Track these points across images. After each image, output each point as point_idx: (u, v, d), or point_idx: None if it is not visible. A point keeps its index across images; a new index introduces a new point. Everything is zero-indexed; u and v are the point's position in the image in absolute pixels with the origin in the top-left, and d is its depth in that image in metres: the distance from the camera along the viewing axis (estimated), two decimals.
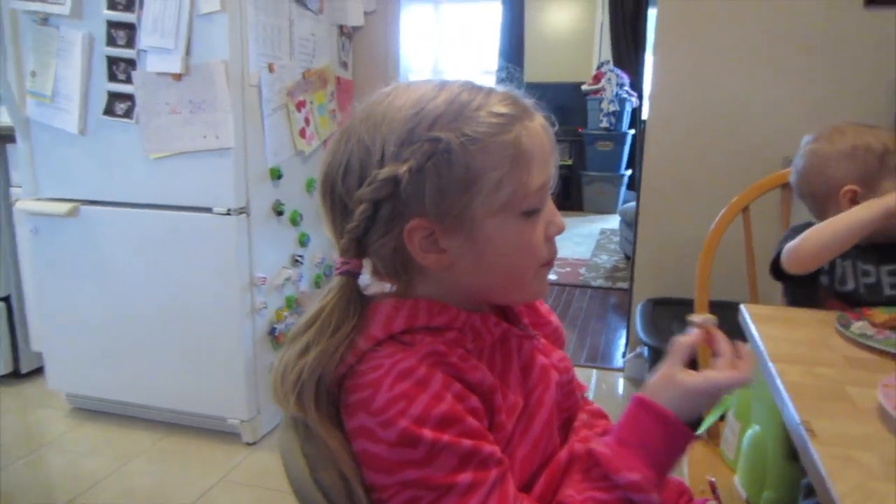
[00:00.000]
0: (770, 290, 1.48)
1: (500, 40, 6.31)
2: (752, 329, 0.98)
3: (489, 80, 0.65)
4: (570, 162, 5.94)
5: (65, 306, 2.11)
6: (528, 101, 0.64)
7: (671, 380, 0.64)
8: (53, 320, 2.15)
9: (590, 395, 1.67)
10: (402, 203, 0.59)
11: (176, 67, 1.79)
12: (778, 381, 0.79)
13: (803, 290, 1.19)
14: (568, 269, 4.22)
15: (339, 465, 0.58)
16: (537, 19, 6.30)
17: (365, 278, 0.65)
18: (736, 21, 2.16)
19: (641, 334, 2.14)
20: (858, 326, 0.95)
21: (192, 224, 1.92)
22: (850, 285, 1.13)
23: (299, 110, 2.11)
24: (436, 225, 0.60)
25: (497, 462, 0.57)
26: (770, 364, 0.84)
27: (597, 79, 5.66)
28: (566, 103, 5.63)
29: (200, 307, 1.97)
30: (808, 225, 1.13)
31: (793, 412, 0.71)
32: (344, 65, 2.47)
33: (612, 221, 5.36)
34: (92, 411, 2.25)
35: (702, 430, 1.28)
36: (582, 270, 4.19)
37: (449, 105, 0.60)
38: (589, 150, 5.85)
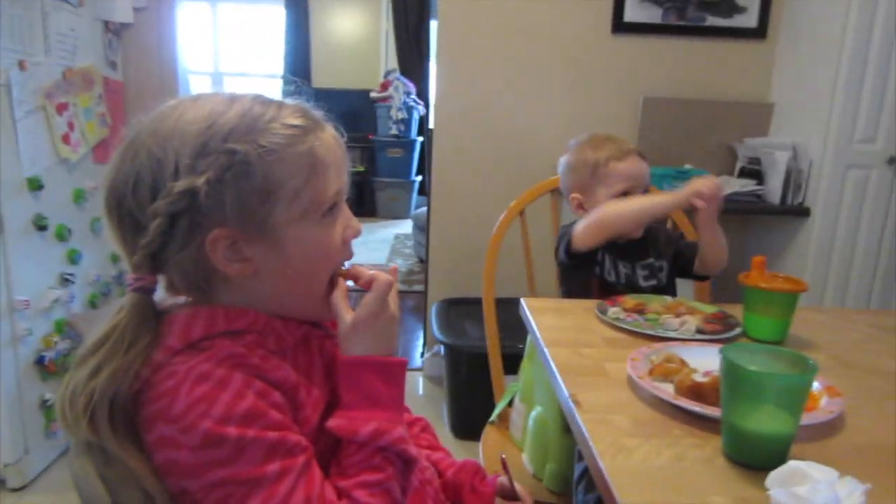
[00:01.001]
0: (545, 285, 1.66)
1: (284, 44, 6.17)
2: (530, 319, 1.10)
3: (274, 84, 0.66)
4: (362, 168, 6.01)
5: None
6: (318, 113, 0.67)
7: (348, 330, 0.66)
8: None
9: None
10: (202, 214, 0.59)
11: None
12: (551, 363, 0.90)
13: (578, 278, 1.37)
14: None
15: (141, 484, 0.57)
16: (323, 25, 6.26)
17: (159, 293, 0.63)
18: (507, 39, 2.38)
19: (437, 333, 2.26)
20: (614, 311, 1.12)
21: None
22: (612, 277, 1.33)
23: (61, 113, 1.89)
24: (238, 234, 0.61)
25: (303, 449, 0.59)
26: (545, 349, 0.96)
27: (384, 87, 5.81)
28: (356, 110, 5.70)
29: None
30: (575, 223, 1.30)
31: (562, 388, 0.82)
32: (112, 64, 2.25)
33: (406, 226, 5.54)
34: None
35: (493, 416, 1.40)
36: None
37: (242, 118, 0.61)
38: (380, 157, 5.98)
